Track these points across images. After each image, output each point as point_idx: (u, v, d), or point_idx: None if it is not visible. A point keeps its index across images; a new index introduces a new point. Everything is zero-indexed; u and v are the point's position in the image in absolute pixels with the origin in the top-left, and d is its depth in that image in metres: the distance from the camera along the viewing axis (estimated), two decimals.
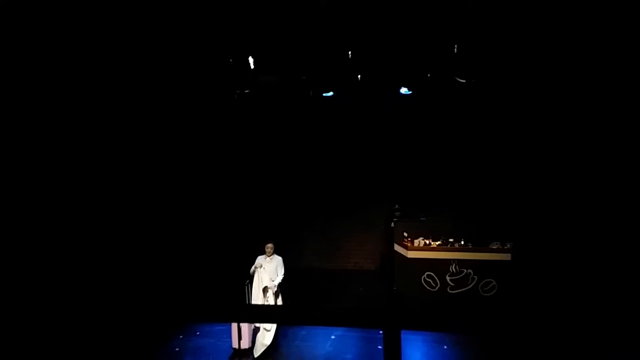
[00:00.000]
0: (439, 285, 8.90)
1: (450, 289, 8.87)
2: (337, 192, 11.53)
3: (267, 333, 6.76)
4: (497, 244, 8.90)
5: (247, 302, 6.80)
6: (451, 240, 9.13)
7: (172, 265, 9.33)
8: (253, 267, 6.81)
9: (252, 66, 7.73)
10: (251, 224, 10.80)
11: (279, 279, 6.86)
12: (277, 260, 6.93)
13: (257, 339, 6.74)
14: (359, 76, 8.51)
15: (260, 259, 6.91)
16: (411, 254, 9.03)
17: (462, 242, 9.06)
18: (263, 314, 4.56)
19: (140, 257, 8.69)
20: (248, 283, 6.86)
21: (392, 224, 9.73)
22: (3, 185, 6.28)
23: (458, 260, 8.85)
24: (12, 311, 6.21)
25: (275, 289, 6.78)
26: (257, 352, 6.65)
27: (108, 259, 8.01)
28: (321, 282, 10.34)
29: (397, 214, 10.26)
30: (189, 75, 7.93)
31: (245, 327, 6.68)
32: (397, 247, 9.48)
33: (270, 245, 6.94)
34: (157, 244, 9.23)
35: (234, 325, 6.69)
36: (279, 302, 6.85)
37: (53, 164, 7.08)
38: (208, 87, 8.39)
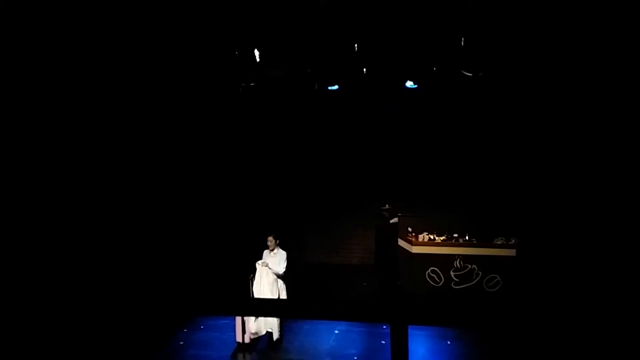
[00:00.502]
0: (443, 281, 8.88)
1: (454, 285, 8.85)
2: (342, 188, 11.52)
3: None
4: (501, 239, 8.89)
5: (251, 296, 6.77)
6: (456, 235, 9.12)
7: (176, 260, 9.34)
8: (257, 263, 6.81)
9: (257, 59, 7.68)
10: (256, 217, 10.79)
11: (278, 269, 6.78)
12: (281, 255, 6.88)
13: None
14: (365, 69, 8.46)
15: (265, 254, 6.91)
16: (415, 249, 9.01)
17: (467, 238, 9.05)
18: (269, 308, 4.54)
19: (145, 252, 8.69)
20: (252, 277, 6.83)
21: (397, 219, 9.70)
22: (3, 186, 6.24)
23: (462, 255, 8.82)
24: (23, 308, 6.22)
25: (268, 269, 6.68)
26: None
27: (113, 255, 8.01)
28: (324, 278, 10.34)
29: (386, 213, 10.23)
30: (195, 69, 7.89)
31: (250, 321, 6.67)
32: (401, 242, 9.46)
33: (270, 238, 6.88)
34: (163, 239, 9.23)
35: (238, 319, 6.68)
36: (283, 296, 6.83)
37: (57, 161, 7.05)
38: (213, 80, 8.35)
